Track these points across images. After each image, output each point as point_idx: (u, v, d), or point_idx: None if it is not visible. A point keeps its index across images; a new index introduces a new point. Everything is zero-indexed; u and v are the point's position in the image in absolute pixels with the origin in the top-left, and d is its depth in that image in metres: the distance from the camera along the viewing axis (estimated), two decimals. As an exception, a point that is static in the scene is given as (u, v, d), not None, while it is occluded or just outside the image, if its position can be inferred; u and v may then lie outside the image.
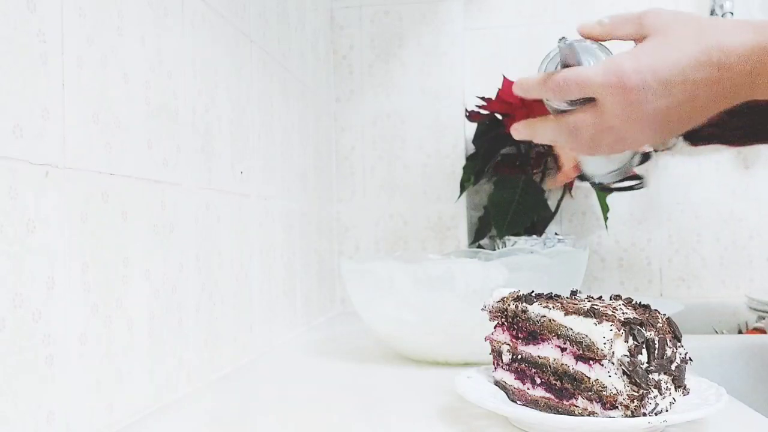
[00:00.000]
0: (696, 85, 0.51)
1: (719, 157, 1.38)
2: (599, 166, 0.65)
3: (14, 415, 0.42)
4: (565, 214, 1.40)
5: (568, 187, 1.34)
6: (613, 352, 0.46)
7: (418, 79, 1.32)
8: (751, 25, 0.50)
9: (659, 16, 0.54)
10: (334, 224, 1.33)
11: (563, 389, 0.50)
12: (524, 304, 0.54)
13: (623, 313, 0.49)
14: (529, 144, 1.30)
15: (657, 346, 0.48)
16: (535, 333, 0.53)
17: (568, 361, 0.50)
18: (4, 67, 0.42)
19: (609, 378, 0.47)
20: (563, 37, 0.56)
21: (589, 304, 0.50)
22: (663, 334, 0.49)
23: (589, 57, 0.56)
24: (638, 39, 0.54)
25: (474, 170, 1.28)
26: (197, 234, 0.69)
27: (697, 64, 0.51)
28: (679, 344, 0.50)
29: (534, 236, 1.25)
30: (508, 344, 0.55)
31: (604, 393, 0.47)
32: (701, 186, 1.38)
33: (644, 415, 0.47)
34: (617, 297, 0.54)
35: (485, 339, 0.58)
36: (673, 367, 0.49)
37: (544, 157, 1.32)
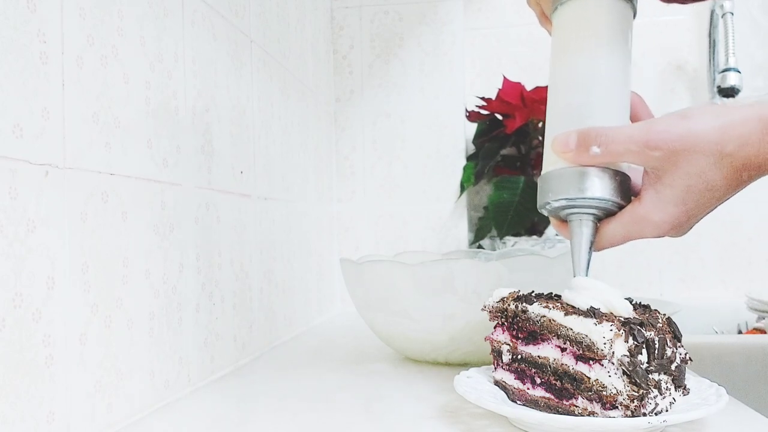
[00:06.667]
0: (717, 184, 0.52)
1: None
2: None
3: (14, 415, 0.42)
4: (565, 214, 1.39)
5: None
6: (613, 352, 0.46)
7: (418, 79, 1.32)
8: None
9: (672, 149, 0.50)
10: (334, 224, 1.33)
11: (563, 389, 0.50)
12: (524, 304, 0.54)
13: (623, 313, 0.49)
14: (529, 144, 1.30)
15: (657, 346, 0.48)
16: (535, 333, 0.53)
17: (568, 361, 0.50)
18: (4, 67, 0.42)
19: (609, 378, 0.47)
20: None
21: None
22: (663, 334, 0.49)
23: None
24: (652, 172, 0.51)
25: (474, 170, 1.29)
26: (197, 234, 0.69)
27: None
28: (679, 344, 0.50)
29: (534, 237, 1.25)
30: (508, 344, 0.55)
31: (604, 393, 0.47)
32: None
33: (644, 415, 0.47)
34: (617, 297, 0.54)
35: (485, 339, 0.58)
36: (673, 367, 0.49)
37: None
